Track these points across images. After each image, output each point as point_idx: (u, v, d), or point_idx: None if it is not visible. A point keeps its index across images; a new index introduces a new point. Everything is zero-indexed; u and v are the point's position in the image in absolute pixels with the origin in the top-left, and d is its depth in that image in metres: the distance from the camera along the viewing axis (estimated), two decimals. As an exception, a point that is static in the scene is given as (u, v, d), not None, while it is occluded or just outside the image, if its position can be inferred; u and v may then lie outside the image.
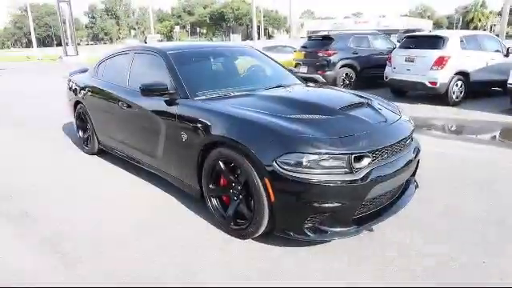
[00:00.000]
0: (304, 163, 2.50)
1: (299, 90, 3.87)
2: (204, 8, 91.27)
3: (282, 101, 3.23)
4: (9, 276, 2.63)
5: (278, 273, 2.57)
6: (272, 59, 4.62)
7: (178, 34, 72.01)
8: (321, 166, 2.51)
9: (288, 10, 52.02)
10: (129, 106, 4.00)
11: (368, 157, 2.63)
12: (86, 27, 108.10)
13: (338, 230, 2.65)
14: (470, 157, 4.89)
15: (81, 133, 5.48)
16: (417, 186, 3.39)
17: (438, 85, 8.09)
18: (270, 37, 78.54)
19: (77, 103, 5.37)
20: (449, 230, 3.06)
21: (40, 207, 3.73)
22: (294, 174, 2.50)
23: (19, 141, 6.34)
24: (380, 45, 10.74)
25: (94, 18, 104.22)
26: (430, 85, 8.18)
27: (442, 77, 8.06)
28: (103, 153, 5.09)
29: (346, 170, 2.55)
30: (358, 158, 2.60)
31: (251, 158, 2.65)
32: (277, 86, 3.82)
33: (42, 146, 5.92)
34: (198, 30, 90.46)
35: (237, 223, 2.96)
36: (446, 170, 4.39)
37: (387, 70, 9.14)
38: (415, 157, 3.12)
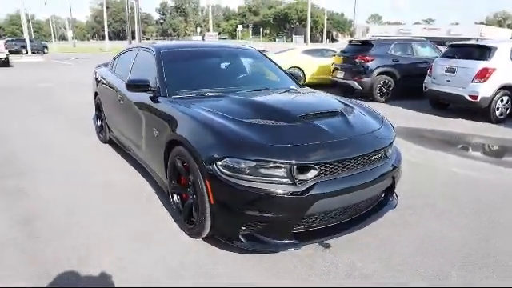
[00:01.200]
0: (242, 169, 2.45)
1: (275, 95, 3.76)
2: (269, 9, 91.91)
3: (249, 104, 3.17)
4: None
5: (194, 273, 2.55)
6: (273, 63, 4.55)
7: (240, 33, 73.28)
8: (260, 174, 2.44)
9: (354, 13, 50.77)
10: (126, 100, 4.18)
11: (314, 169, 2.50)
12: (156, 23, 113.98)
13: (277, 242, 2.55)
14: (499, 182, 4.40)
15: (98, 122, 5.82)
16: (393, 205, 3.16)
17: (478, 99, 7.44)
18: (333, 40, 77.09)
19: (96, 94, 5.72)
20: (401, 262, 2.81)
21: (36, 186, 4.06)
22: (232, 179, 2.46)
23: (53, 125, 6.88)
24: (425, 53, 10.10)
25: (164, 14, 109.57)
26: (469, 99, 7.55)
27: (485, 91, 7.40)
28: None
29: (288, 180, 2.45)
30: (303, 170, 2.48)
31: (197, 159, 2.65)
32: (260, 90, 3.77)
33: (69, 131, 6.39)
34: (261, 30, 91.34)
35: (191, 222, 2.97)
36: (462, 197, 3.97)
37: (427, 80, 8.59)
38: (389, 171, 2.90)
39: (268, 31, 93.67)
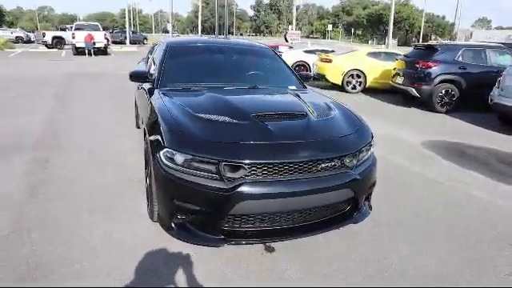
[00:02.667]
0: (178, 161, 2.54)
1: (252, 93, 3.72)
2: (363, 9, 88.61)
3: (217, 100, 3.20)
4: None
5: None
6: (283, 63, 4.52)
7: (330, 32, 71.98)
8: (193, 167, 2.51)
9: (457, 17, 46.50)
10: (141, 88, 4.51)
11: (243, 168, 2.48)
12: (251, 19, 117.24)
13: (206, 235, 2.60)
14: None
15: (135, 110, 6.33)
16: (357, 220, 2.98)
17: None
18: (430, 44, 71.50)
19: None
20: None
21: (61, 159, 4.70)
22: (169, 170, 2.57)
23: (107, 109, 7.65)
24: (503, 61, 8.97)
25: (258, 11, 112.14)
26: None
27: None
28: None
29: (217, 176, 2.48)
30: (232, 168, 2.49)
31: (149, 148, 2.82)
32: (249, 87, 3.79)
33: (119, 114, 7.06)
34: (352, 30, 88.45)
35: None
36: (456, 223, 3.64)
37: (493, 91, 7.67)
38: (345, 183, 2.71)
39: (360, 32, 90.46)
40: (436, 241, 3.13)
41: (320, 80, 12.13)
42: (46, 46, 28.15)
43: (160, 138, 2.70)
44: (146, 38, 49.19)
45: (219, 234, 2.58)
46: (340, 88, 11.49)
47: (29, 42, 40.57)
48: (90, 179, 4.11)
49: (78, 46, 22.57)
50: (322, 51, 13.66)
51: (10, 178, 4.11)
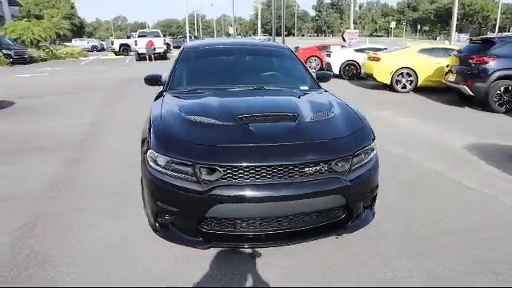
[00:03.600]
0: (159, 163, 2.56)
1: (251, 94, 3.60)
2: (430, 3, 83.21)
3: (212, 102, 3.16)
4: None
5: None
6: (301, 63, 4.34)
7: (393, 30, 68.71)
8: (173, 169, 2.51)
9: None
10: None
11: (218, 171, 2.43)
12: (312, 20, 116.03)
13: (186, 237, 2.59)
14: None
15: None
16: (351, 229, 2.79)
17: None
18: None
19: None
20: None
21: (92, 160, 5.04)
22: (152, 170, 2.60)
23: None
24: None
25: (319, 11, 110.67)
26: None
27: None
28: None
29: (194, 178, 2.45)
30: (208, 170, 2.44)
31: (141, 150, 2.87)
32: (255, 88, 3.70)
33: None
34: (418, 27, 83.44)
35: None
36: (475, 233, 3.27)
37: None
38: (334, 189, 2.52)
39: (427, 28, 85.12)
40: (444, 259, 2.80)
41: (368, 80, 11.63)
42: (115, 53, 30.30)
43: (148, 141, 2.74)
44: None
45: (197, 236, 2.55)
46: (389, 87, 10.91)
47: (102, 50, 43.95)
48: (112, 179, 4.30)
49: (139, 52, 23.99)
50: (372, 49, 13.05)
51: (42, 175, 4.44)
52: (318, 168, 2.52)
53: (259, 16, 51.51)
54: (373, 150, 2.87)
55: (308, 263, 2.70)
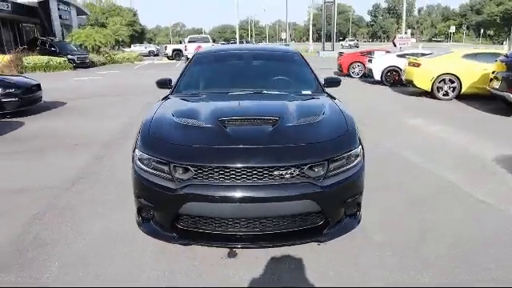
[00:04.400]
0: (143, 161, 2.73)
1: (247, 97, 3.66)
2: (497, 5, 77.51)
3: (201, 105, 3.30)
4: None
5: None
6: (306, 67, 4.32)
7: (453, 34, 64.98)
8: (152, 167, 2.67)
9: None
10: None
11: (190, 171, 2.53)
12: (367, 25, 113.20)
13: (162, 232, 2.71)
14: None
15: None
16: (328, 237, 2.74)
17: None
18: None
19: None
20: None
21: (115, 158, 5.37)
22: (136, 168, 2.78)
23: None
24: None
25: (375, 16, 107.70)
26: None
27: None
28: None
29: (169, 176, 2.59)
30: (181, 169, 2.56)
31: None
32: (254, 92, 3.76)
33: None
34: (481, 31, 77.95)
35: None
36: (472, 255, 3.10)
37: None
38: (305, 194, 2.51)
39: (492, 32, 79.36)
40: (433, 274, 2.70)
41: (409, 86, 11.21)
42: (168, 57, 31.68)
43: (136, 141, 2.92)
44: (258, 48, 51.54)
45: (172, 232, 2.67)
46: (430, 94, 10.42)
47: (157, 55, 46.15)
48: (128, 176, 4.55)
49: (189, 56, 24.86)
50: (415, 55, 12.51)
51: (67, 169, 4.84)
52: (288, 172, 2.53)
53: (311, 21, 51.29)
54: (357, 156, 2.81)
55: (276, 266, 2.73)
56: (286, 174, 2.52)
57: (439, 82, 10.14)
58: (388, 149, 5.66)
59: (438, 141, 6.21)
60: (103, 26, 34.86)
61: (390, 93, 11.93)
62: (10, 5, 24.74)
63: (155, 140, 2.80)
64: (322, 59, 28.69)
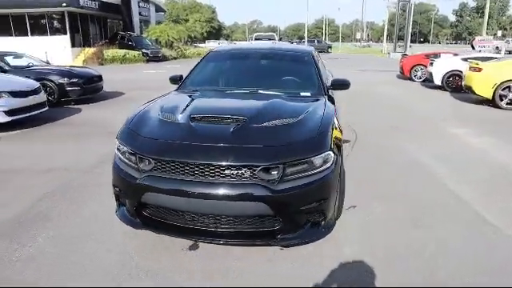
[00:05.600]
0: (120, 150, 2.96)
1: (237, 96, 3.77)
2: None
3: (186, 102, 3.41)
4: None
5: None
6: (314, 69, 4.23)
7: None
8: (125, 157, 2.89)
9: None
10: None
11: (150, 162, 2.69)
12: (451, 26, 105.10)
13: (129, 217, 2.93)
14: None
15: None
16: (283, 243, 2.76)
17: None
18: None
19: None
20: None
21: None
22: (115, 157, 3.03)
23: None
24: None
25: (461, 16, 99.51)
26: None
27: None
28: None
29: (136, 167, 2.78)
30: (144, 160, 2.73)
31: None
32: (250, 92, 3.82)
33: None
34: None
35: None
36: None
37: None
38: (255, 196, 2.51)
39: None
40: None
41: (468, 93, 10.32)
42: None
43: (119, 132, 3.16)
44: (330, 47, 50.58)
45: (136, 218, 2.87)
46: (492, 103, 9.47)
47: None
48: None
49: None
50: (481, 58, 11.37)
51: (94, 154, 5.32)
52: (239, 172, 2.55)
53: (386, 21, 49.11)
54: (325, 162, 2.74)
55: (228, 263, 2.79)
56: (238, 174, 2.55)
57: (502, 90, 9.19)
58: (412, 157, 5.35)
59: (475, 153, 5.69)
60: (185, 21, 37.00)
61: (448, 99, 11.09)
62: (97, 3, 27.19)
63: (131, 132, 3.01)
64: (392, 61, 27.38)
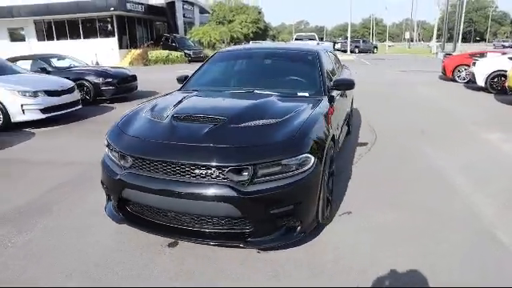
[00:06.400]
0: (109, 148, 3.07)
1: (231, 96, 3.76)
2: None
3: (175, 102, 3.49)
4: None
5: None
6: (317, 69, 4.10)
7: None
8: (112, 154, 3.01)
9: None
10: None
11: (129, 160, 2.78)
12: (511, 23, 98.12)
13: (113, 211, 3.04)
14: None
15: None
16: (250, 245, 2.68)
17: None
18: None
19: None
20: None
21: None
22: (104, 154, 3.17)
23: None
24: None
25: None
26: None
27: None
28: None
29: (118, 163, 2.89)
30: (124, 157, 2.83)
31: None
32: (245, 91, 3.82)
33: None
34: None
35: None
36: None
37: None
38: (221, 196, 2.50)
39: None
40: None
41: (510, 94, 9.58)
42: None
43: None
44: (376, 47, 49.07)
45: (119, 213, 2.98)
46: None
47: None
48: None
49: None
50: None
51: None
52: (209, 172, 2.56)
53: (436, 20, 47.03)
54: (302, 165, 2.67)
55: (203, 261, 2.82)
56: (207, 173, 2.56)
57: (549, 92, 8.47)
58: (429, 164, 5.06)
59: (505, 158, 5.29)
60: (229, 22, 37.54)
61: (489, 101, 10.34)
62: (143, 6, 28.36)
63: (117, 130, 3.13)
64: (439, 61, 26.00)
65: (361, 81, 14.40)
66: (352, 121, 6.83)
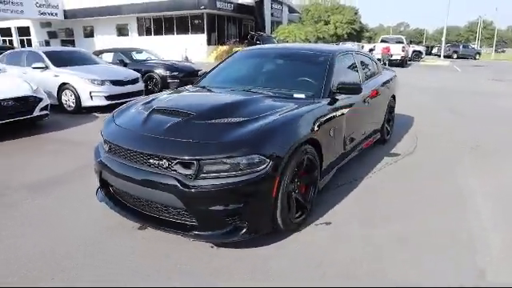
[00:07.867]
0: (100, 133, 3.41)
1: (226, 93, 3.85)
2: None
3: (172, 96, 3.75)
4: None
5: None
6: (323, 72, 3.97)
7: None
8: (101, 140, 3.36)
9: None
10: None
11: (107, 145, 3.13)
12: None
13: (100, 193, 3.38)
14: None
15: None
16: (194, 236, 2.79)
17: None
18: None
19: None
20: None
21: None
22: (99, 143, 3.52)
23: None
24: None
25: None
26: None
27: None
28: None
29: (103, 148, 3.24)
30: (105, 144, 3.17)
31: None
32: (243, 90, 3.89)
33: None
34: None
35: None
36: None
37: None
38: (167, 185, 2.64)
39: None
40: None
41: None
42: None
43: None
44: (478, 53, 44.58)
45: (101, 192, 3.33)
46: None
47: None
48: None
49: (377, 56, 24.10)
50: None
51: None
52: (160, 163, 2.72)
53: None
54: (252, 165, 2.66)
55: (170, 247, 2.97)
56: (158, 164, 2.74)
57: None
58: (460, 189, 4.56)
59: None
60: (325, 22, 37.34)
61: None
62: (233, 5, 29.60)
63: (110, 118, 3.49)
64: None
65: (427, 86, 13.32)
66: (393, 129, 6.43)
